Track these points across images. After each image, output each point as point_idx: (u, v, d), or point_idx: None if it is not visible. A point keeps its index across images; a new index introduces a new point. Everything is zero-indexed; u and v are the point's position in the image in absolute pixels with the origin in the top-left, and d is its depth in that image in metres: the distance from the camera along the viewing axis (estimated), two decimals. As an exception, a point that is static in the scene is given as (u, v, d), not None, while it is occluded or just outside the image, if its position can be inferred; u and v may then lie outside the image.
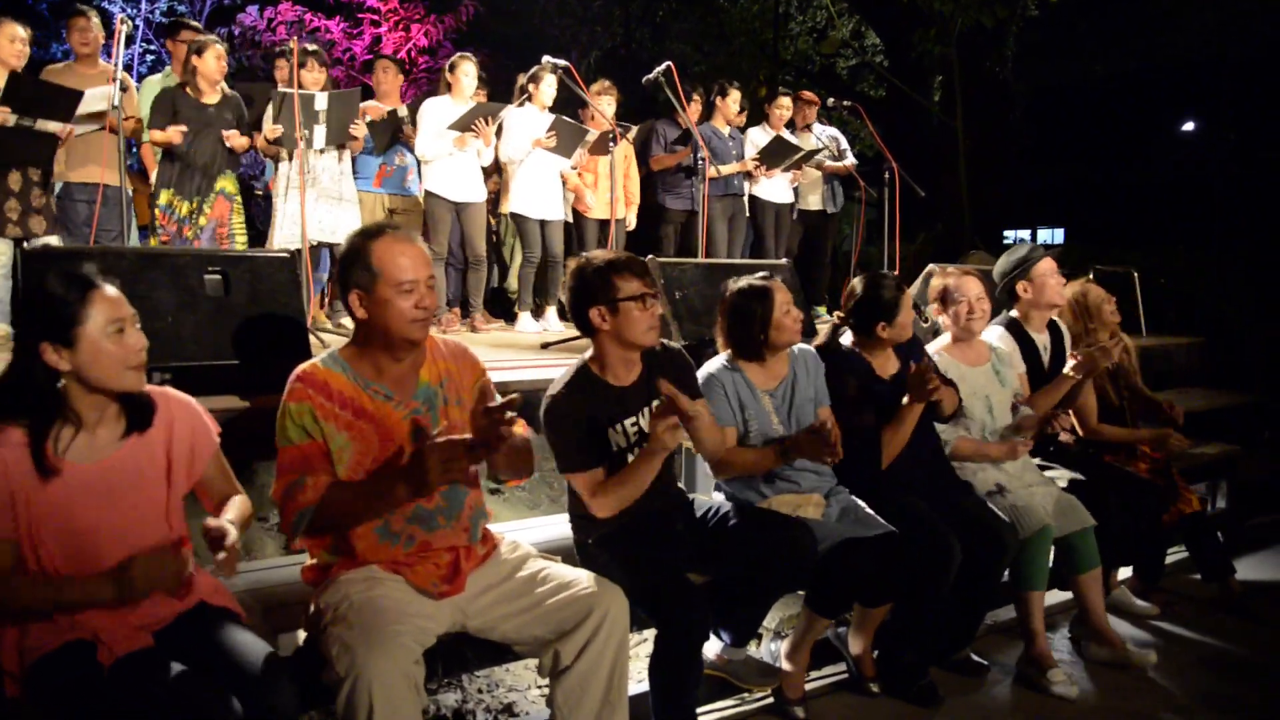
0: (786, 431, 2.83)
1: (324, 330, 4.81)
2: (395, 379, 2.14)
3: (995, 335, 3.53)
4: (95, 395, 1.84)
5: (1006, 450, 3.22)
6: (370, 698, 1.83)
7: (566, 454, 2.47)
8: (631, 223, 6.21)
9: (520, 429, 2.11)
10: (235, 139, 4.77)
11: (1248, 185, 8.45)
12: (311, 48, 5.20)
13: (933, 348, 3.35)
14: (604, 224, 6.02)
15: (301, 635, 2.25)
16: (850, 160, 6.88)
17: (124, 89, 4.28)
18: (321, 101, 4.82)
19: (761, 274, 2.90)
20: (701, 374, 2.83)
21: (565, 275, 2.55)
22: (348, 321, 5.24)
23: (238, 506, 2.07)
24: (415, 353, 2.18)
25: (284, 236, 4.94)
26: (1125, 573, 3.89)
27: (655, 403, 2.52)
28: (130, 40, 4.74)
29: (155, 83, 5.32)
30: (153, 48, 10.39)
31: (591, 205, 6.00)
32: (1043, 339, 3.66)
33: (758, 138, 6.37)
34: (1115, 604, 3.71)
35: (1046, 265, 3.57)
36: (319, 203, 4.99)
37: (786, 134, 6.40)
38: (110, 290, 1.84)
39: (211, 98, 4.78)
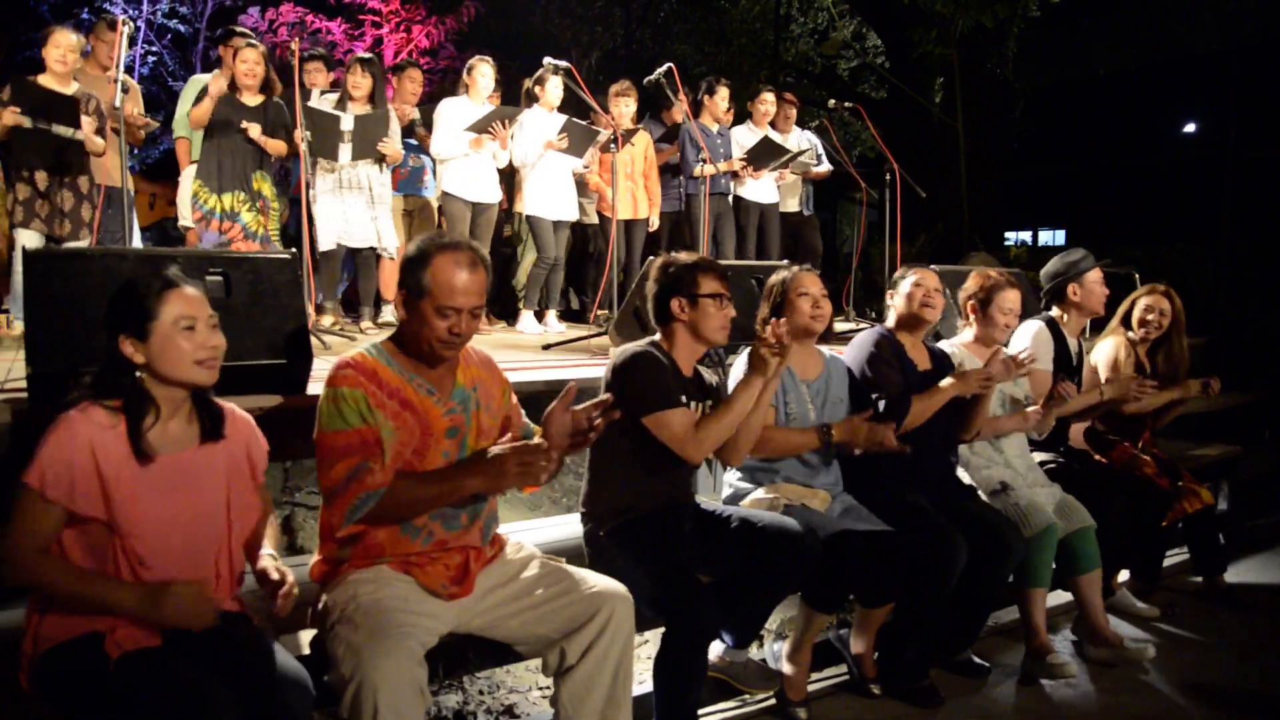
0: (821, 417, 2.94)
1: (328, 332, 4.82)
2: (436, 377, 2.17)
3: (1031, 330, 3.58)
4: (168, 389, 1.92)
5: (1019, 420, 3.26)
6: (375, 700, 1.83)
7: (658, 394, 2.54)
8: (654, 224, 6.22)
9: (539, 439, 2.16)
10: (256, 133, 4.81)
11: (1248, 185, 8.43)
12: (319, 51, 5.26)
13: (953, 343, 3.39)
14: (629, 225, 6.06)
15: (305, 636, 2.25)
16: (825, 167, 6.81)
17: (125, 90, 4.29)
18: (347, 123, 4.93)
19: (801, 266, 3.05)
20: (737, 365, 2.90)
21: (649, 268, 2.73)
22: (364, 324, 5.31)
23: (273, 534, 2.17)
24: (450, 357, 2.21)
25: (319, 234, 5.04)
26: (1126, 574, 3.89)
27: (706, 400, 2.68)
28: (131, 42, 4.75)
29: (200, 80, 5.38)
30: (154, 49, 10.40)
31: (616, 205, 5.99)
32: (1075, 343, 3.72)
33: (743, 138, 6.30)
34: (1116, 606, 3.71)
35: (1097, 274, 3.70)
36: (375, 209, 5.15)
37: (773, 134, 6.37)
38: (189, 290, 1.94)
39: (252, 100, 4.85)
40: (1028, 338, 3.58)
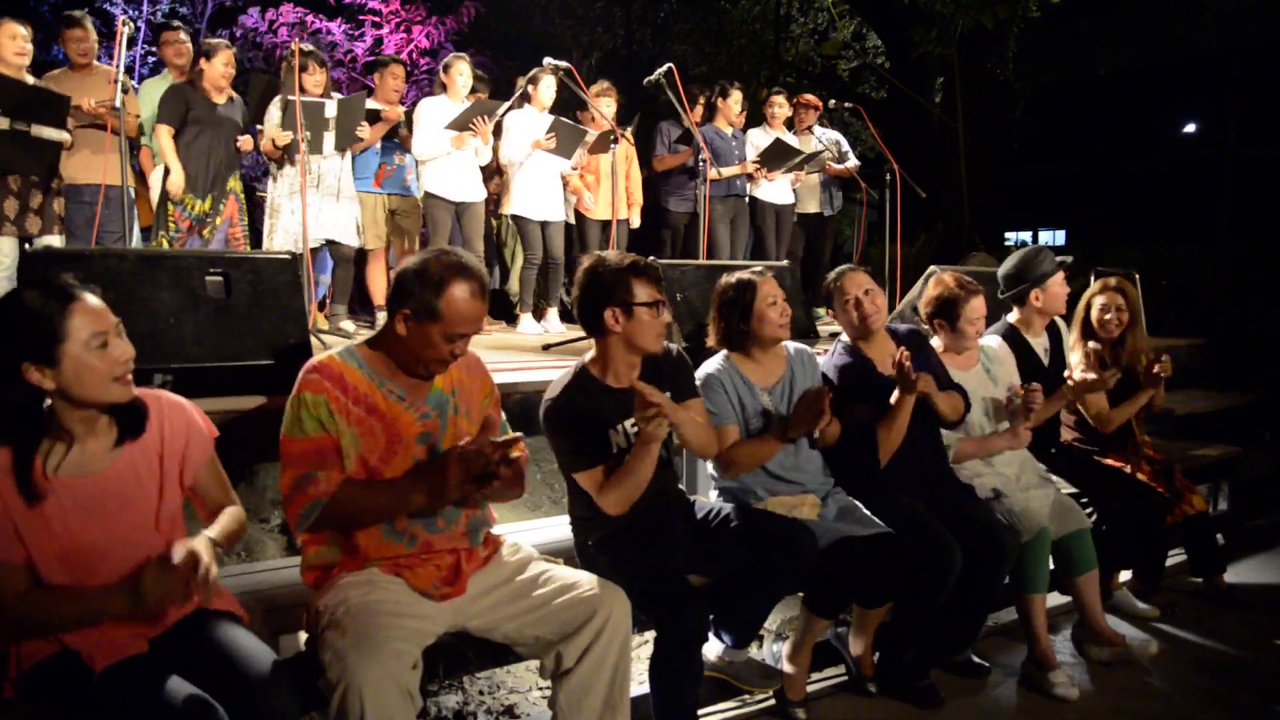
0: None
1: (324, 332, 4.82)
2: (410, 383, 2.15)
3: (994, 344, 3.50)
4: (83, 410, 1.78)
5: (1009, 439, 3.21)
6: (361, 705, 1.83)
7: (570, 454, 2.48)
8: (635, 223, 6.21)
9: (518, 450, 2.10)
10: (248, 144, 4.84)
11: (1248, 185, 8.43)
12: (307, 48, 5.20)
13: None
14: (606, 225, 6.02)
15: (303, 637, 2.25)
16: (853, 162, 6.85)
17: (126, 90, 4.29)
18: (331, 109, 4.85)
19: (755, 269, 2.93)
20: (700, 373, 2.84)
21: (577, 273, 2.55)
22: (347, 325, 5.27)
23: (225, 520, 2.01)
24: None
25: (284, 239, 4.93)
26: (1126, 575, 3.88)
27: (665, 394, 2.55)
28: (131, 42, 4.75)
29: (155, 84, 5.34)
30: (154, 50, 10.40)
31: (593, 206, 6.01)
32: (1041, 341, 3.66)
33: (758, 139, 6.35)
34: (1117, 606, 3.71)
35: (1060, 277, 3.60)
36: (323, 200, 4.99)
37: (787, 136, 6.39)
38: (91, 300, 1.75)
39: (219, 98, 4.85)
40: (992, 347, 3.47)
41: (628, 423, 2.52)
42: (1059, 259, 3.64)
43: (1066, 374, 3.48)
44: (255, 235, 5.47)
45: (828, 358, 3.15)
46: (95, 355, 1.73)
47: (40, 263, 2.56)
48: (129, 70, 5.07)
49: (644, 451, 2.38)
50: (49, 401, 1.75)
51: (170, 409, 1.96)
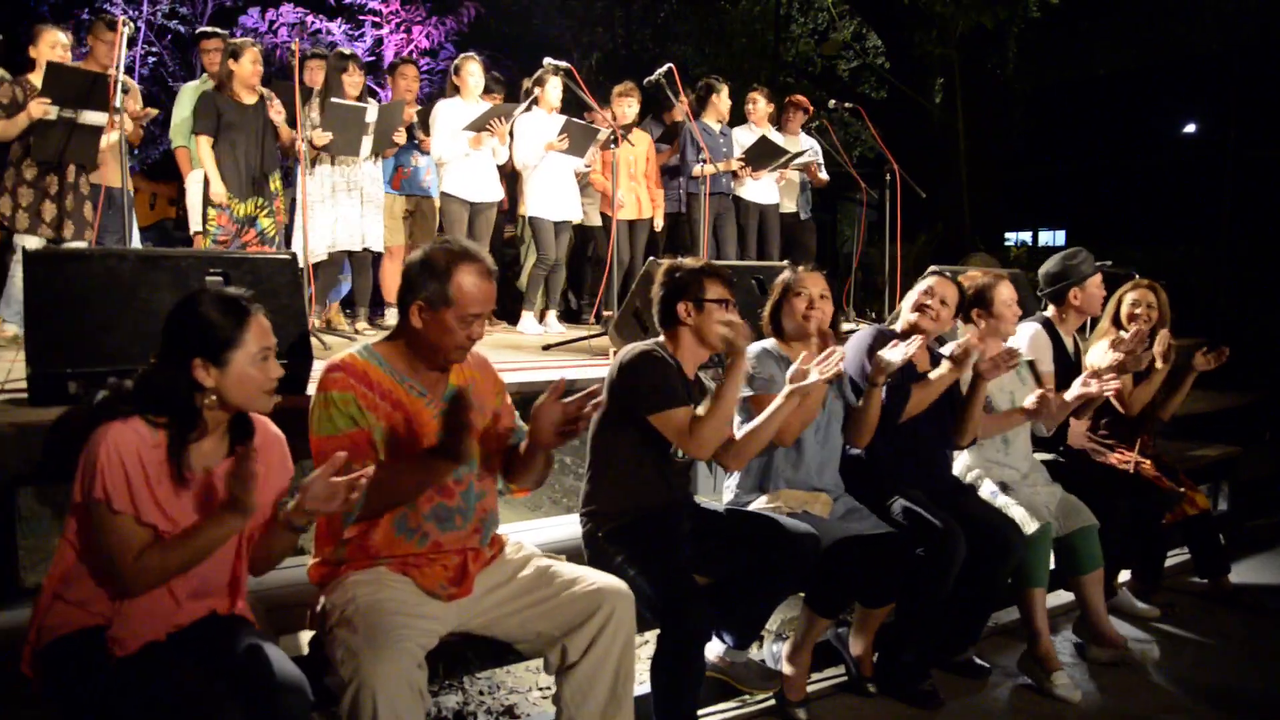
0: (822, 416, 2.93)
1: (331, 333, 4.82)
2: (428, 379, 2.18)
3: (1029, 332, 3.59)
4: (223, 412, 1.91)
5: (1029, 413, 3.22)
6: (374, 703, 1.83)
7: (660, 392, 2.54)
8: (659, 224, 6.23)
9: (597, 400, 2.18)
10: (285, 128, 4.86)
11: (1248, 185, 8.44)
12: (348, 51, 5.28)
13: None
14: (632, 225, 6.07)
15: (304, 637, 2.25)
16: (823, 176, 6.77)
17: (126, 91, 4.30)
18: (372, 114, 4.93)
19: (806, 266, 3.06)
20: (754, 348, 2.93)
21: (657, 274, 2.73)
22: (361, 325, 5.30)
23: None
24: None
25: (316, 240, 4.99)
26: (1127, 575, 3.89)
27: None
28: (131, 42, 4.75)
29: (192, 89, 5.40)
30: (154, 50, 10.41)
31: (620, 204, 5.99)
32: (1071, 342, 3.73)
33: (743, 138, 6.31)
34: (1117, 606, 3.71)
35: (1098, 278, 3.72)
36: (356, 207, 5.08)
37: (772, 134, 6.36)
38: (264, 319, 1.93)
39: (249, 99, 4.87)
40: (1025, 340, 3.58)
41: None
42: (1098, 264, 3.76)
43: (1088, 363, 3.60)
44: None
45: (859, 335, 3.18)
46: (258, 367, 1.89)
47: (40, 262, 2.56)
48: (129, 70, 5.06)
49: (732, 379, 2.50)
50: (209, 399, 1.87)
51: (273, 440, 2.05)
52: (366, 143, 4.99)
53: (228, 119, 4.79)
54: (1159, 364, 3.68)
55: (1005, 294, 3.28)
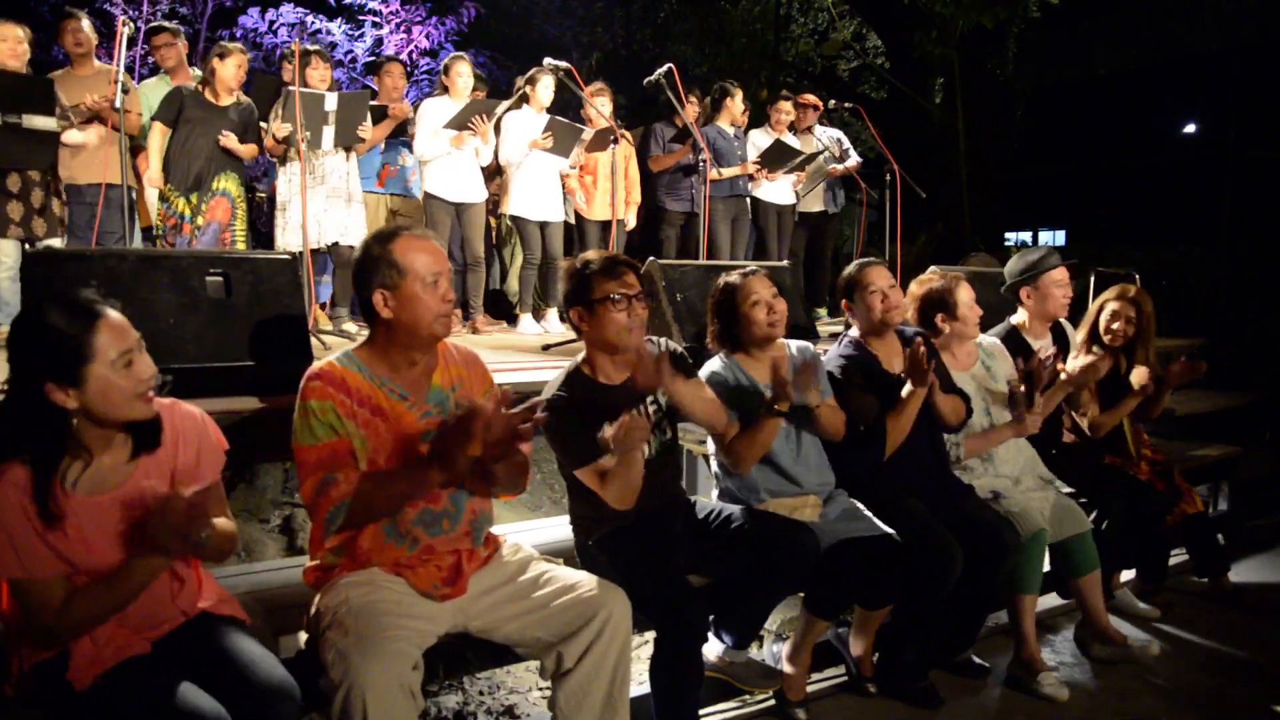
0: (788, 425, 2.85)
1: (325, 333, 4.81)
2: (410, 381, 2.15)
3: (990, 341, 3.51)
4: (104, 428, 1.76)
5: (1015, 428, 3.20)
6: (364, 705, 1.83)
7: (569, 451, 2.48)
8: (631, 223, 6.22)
9: (524, 447, 2.10)
10: (233, 142, 4.79)
11: (1248, 185, 8.43)
12: (313, 47, 5.21)
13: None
14: (605, 225, 6.03)
15: (303, 637, 2.25)
16: (854, 160, 6.85)
17: (126, 90, 4.29)
18: (331, 102, 4.83)
19: (745, 270, 2.94)
20: (704, 371, 2.85)
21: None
22: (350, 326, 5.28)
23: (221, 523, 1.97)
24: (429, 355, 2.19)
25: (290, 239, 4.94)
26: (1127, 575, 3.88)
27: (650, 402, 2.55)
28: (131, 42, 4.74)
29: (153, 85, 5.36)
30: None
31: (586, 206, 6.02)
32: (1043, 343, 3.64)
33: (759, 140, 6.37)
34: (1118, 607, 3.71)
35: (1058, 275, 3.56)
36: (330, 202, 5.00)
37: (787, 137, 6.40)
38: (114, 316, 1.73)
39: (224, 100, 4.84)
40: (989, 347, 3.48)
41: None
42: (1066, 261, 3.61)
43: (1060, 366, 3.48)
44: (258, 235, 5.47)
45: (833, 349, 3.16)
46: (121, 374, 1.71)
47: (43, 264, 2.56)
48: (129, 70, 5.06)
49: (627, 459, 2.37)
50: (73, 421, 1.72)
51: (184, 420, 1.93)
52: (328, 133, 4.87)
53: (189, 114, 4.74)
54: (1134, 387, 3.52)
55: (965, 296, 3.23)
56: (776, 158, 6.11)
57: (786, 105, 6.55)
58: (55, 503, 1.69)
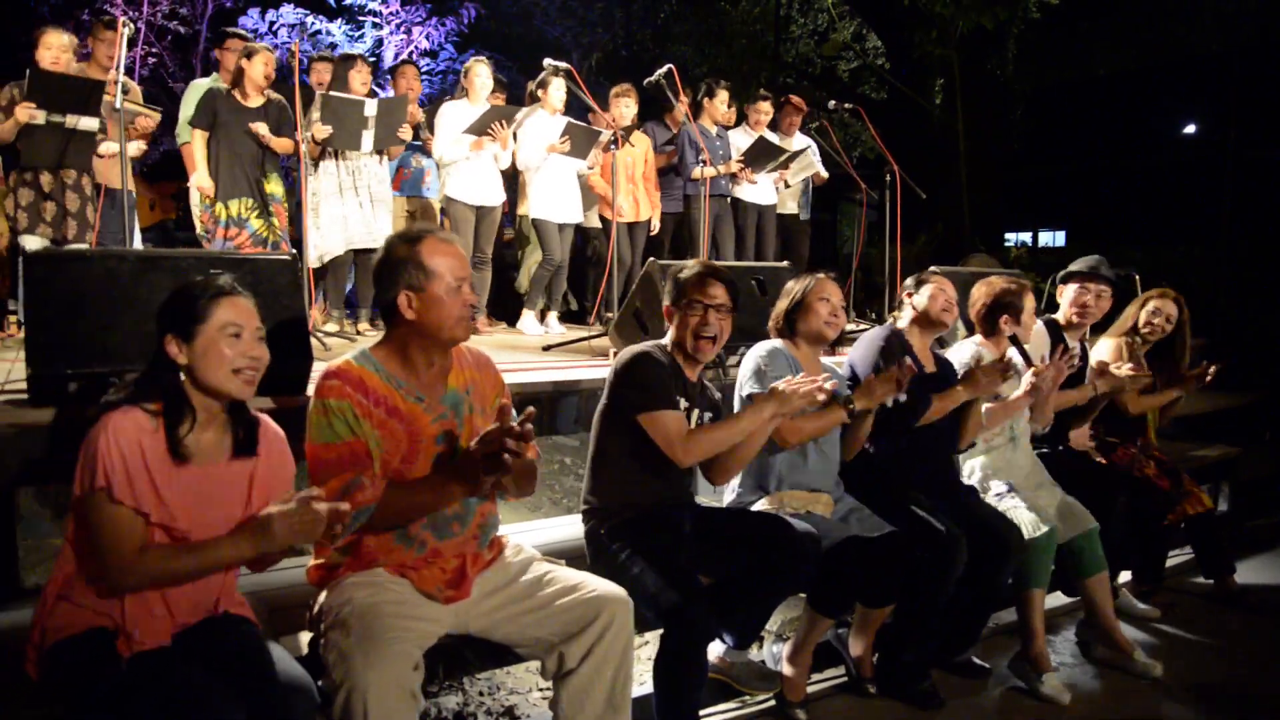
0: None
1: (330, 334, 4.82)
2: (426, 383, 2.15)
3: (1035, 331, 3.58)
4: (205, 397, 1.90)
5: (1014, 406, 3.24)
6: (365, 706, 1.83)
7: (656, 393, 2.53)
8: (655, 226, 6.23)
9: (530, 451, 2.10)
10: (264, 130, 4.84)
11: (1248, 186, 8.44)
12: (355, 52, 5.31)
13: (966, 345, 3.38)
14: (630, 227, 6.08)
15: (304, 638, 2.25)
16: (823, 173, 6.78)
17: (126, 91, 4.30)
18: (371, 108, 4.92)
19: (830, 273, 3.07)
20: (765, 346, 2.94)
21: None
22: (363, 325, 5.31)
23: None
24: (445, 357, 2.19)
25: (325, 241, 5.00)
26: (1127, 575, 3.88)
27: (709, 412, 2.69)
28: (131, 43, 4.74)
29: (201, 86, 5.42)
30: (154, 50, 10.41)
31: (621, 209, 6.00)
32: (1076, 344, 3.72)
33: (740, 140, 6.30)
34: (1118, 607, 3.70)
35: (1082, 289, 3.67)
36: (371, 207, 5.10)
37: (771, 136, 6.36)
38: (242, 299, 1.94)
39: (254, 101, 4.89)
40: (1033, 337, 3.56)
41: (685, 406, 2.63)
42: (1092, 270, 3.70)
43: (1092, 364, 3.61)
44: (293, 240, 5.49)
45: (870, 335, 3.19)
46: (226, 342, 1.88)
47: (40, 263, 2.56)
48: (129, 71, 5.07)
49: (758, 413, 2.50)
50: (182, 377, 1.89)
51: (274, 439, 2.05)
52: (367, 137, 4.97)
53: (224, 117, 4.80)
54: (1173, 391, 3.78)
55: (1030, 304, 3.33)
56: (760, 156, 6.07)
57: (765, 105, 6.49)
58: (183, 445, 1.85)
